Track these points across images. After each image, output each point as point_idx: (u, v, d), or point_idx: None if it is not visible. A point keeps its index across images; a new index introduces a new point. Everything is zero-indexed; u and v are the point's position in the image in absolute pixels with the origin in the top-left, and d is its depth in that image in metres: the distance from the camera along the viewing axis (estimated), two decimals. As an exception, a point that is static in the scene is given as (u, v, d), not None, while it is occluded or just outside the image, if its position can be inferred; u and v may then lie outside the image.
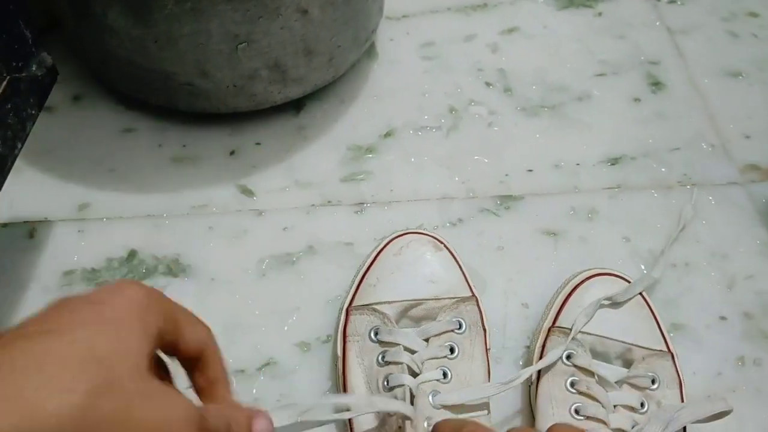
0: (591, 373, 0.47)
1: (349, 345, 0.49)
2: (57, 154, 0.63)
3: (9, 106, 0.46)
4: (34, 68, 0.49)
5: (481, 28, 0.76)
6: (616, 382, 0.47)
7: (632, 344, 0.48)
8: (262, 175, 0.63)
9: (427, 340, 0.48)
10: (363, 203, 0.61)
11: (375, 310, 0.49)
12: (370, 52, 0.72)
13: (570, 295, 0.51)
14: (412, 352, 0.47)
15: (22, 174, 0.61)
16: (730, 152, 0.67)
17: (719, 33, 0.77)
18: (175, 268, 0.57)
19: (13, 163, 0.46)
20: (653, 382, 0.47)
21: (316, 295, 0.56)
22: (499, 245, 0.60)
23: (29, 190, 0.61)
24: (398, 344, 0.47)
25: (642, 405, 0.46)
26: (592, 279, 0.52)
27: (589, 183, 0.64)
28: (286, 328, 0.54)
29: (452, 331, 0.48)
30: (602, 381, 0.47)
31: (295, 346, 0.54)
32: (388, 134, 0.66)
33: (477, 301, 0.51)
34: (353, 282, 0.53)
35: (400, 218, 0.60)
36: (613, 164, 0.65)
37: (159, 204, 0.60)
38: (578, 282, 0.52)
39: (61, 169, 0.62)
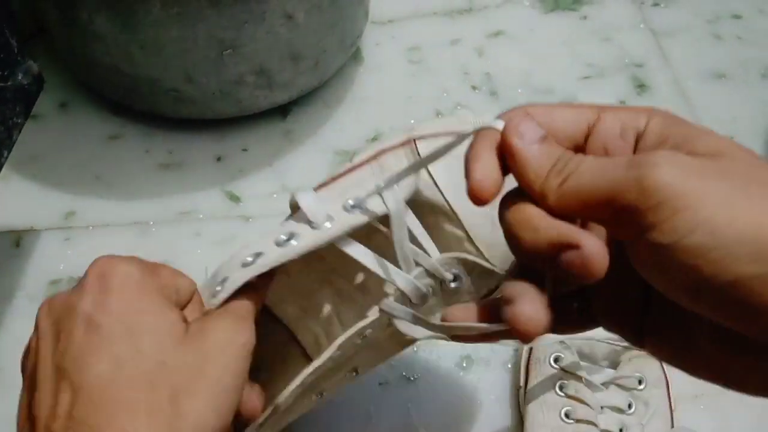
0: (579, 376, 0.47)
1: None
2: (43, 162, 0.63)
3: (-6, 115, 0.46)
4: (20, 77, 0.48)
5: (466, 31, 0.76)
6: (603, 384, 0.47)
7: (619, 345, 0.49)
8: (249, 180, 0.63)
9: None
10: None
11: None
12: (356, 56, 0.72)
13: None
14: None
15: (7, 182, 0.61)
16: (715, 153, 0.68)
17: (703, 35, 0.78)
18: (162, 275, 0.57)
19: (-2, 171, 0.46)
20: (640, 382, 0.48)
21: (304, 301, 0.56)
22: (487, 248, 0.60)
23: (15, 199, 0.60)
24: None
25: (629, 406, 0.47)
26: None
27: (576, 185, 0.64)
28: (274, 334, 0.54)
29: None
30: (590, 383, 0.47)
31: (284, 351, 0.53)
32: (374, 138, 0.66)
33: None
34: None
35: (388, 222, 0.60)
36: (599, 166, 0.65)
37: (146, 211, 0.60)
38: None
39: (47, 177, 0.62)
